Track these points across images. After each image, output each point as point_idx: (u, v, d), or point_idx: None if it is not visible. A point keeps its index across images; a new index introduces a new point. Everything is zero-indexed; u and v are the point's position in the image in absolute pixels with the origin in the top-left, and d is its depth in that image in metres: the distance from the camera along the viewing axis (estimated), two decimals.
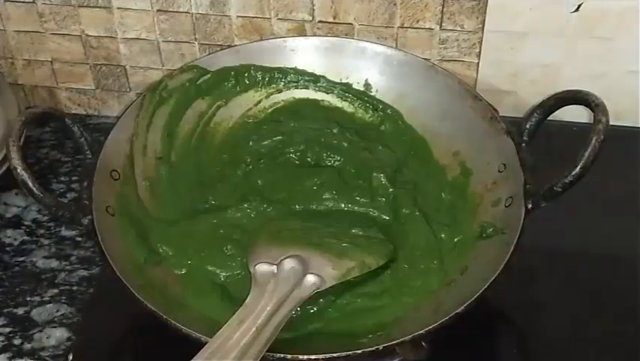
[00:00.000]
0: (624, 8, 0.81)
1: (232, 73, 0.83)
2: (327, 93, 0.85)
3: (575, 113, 0.83)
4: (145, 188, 0.77)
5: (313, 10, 0.86)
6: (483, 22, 0.84)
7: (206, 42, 0.89)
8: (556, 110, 0.74)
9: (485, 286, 0.63)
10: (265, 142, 0.82)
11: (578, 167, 0.66)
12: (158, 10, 0.87)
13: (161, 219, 0.75)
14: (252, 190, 0.78)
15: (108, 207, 0.71)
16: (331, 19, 0.86)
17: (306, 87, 0.85)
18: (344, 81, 0.85)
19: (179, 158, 0.80)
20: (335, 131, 0.82)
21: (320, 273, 0.66)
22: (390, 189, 0.77)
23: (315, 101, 0.85)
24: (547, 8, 0.82)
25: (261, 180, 0.79)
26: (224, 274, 0.72)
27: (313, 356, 0.59)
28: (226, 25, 0.88)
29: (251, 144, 0.82)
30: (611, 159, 0.70)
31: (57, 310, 0.76)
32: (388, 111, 0.83)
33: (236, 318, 0.59)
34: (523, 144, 0.73)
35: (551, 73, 0.87)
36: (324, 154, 0.81)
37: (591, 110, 0.68)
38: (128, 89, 0.95)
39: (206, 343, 0.57)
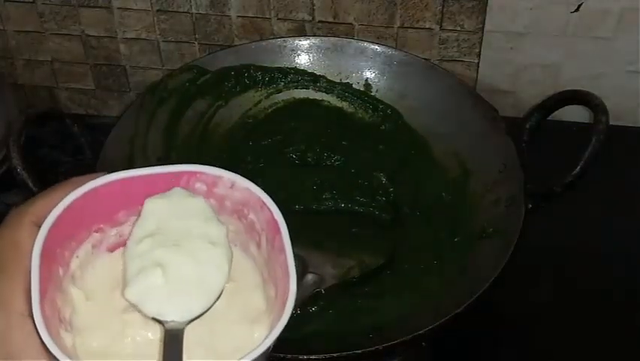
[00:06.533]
0: (624, 8, 0.81)
1: (232, 73, 0.83)
2: (327, 93, 0.85)
3: (575, 113, 0.83)
4: None
5: (313, 10, 0.86)
6: (483, 22, 0.84)
7: (206, 42, 0.89)
8: (556, 110, 0.74)
9: (485, 287, 0.63)
10: (265, 142, 0.82)
11: (578, 167, 0.66)
12: (158, 10, 0.87)
13: None
14: None
15: None
16: (331, 19, 0.86)
17: (306, 87, 0.85)
18: (344, 81, 0.85)
19: (179, 158, 0.80)
20: (335, 131, 0.82)
21: (320, 272, 0.66)
22: (391, 189, 0.77)
23: (315, 101, 0.85)
24: (547, 8, 0.82)
25: (261, 180, 0.78)
26: None
27: (313, 356, 0.59)
28: (226, 25, 0.88)
29: (251, 143, 0.82)
30: (611, 159, 0.70)
31: None
32: (388, 111, 0.83)
33: None
34: (523, 144, 0.73)
35: (551, 73, 0.87)
36: (324, 154, 0.81)
37: (591, 110, 0.68)
38: (128, 89, 0.95)
39: None
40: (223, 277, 0.40)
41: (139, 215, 0.42)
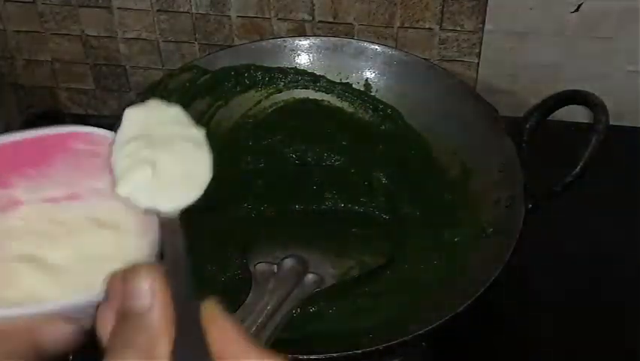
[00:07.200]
0: (624, 8, 0.81)
1: (232, 73, 0.83)
2: (327, 93, 0.85)
3: (575, 113, 0.83)
4: None
5: (313, 10, 0.86)
6: (483, 22, 0.84)
7: (206, 42, 0.89)
8: (556, 110, 0.74)
9: (485, 287, 0.63)
10: (265, 142, 0.82)
11: (578, 167, 0.66)
12: (158, 10, 0.87)
13: None
14: (252, 190, 0.78)
15: None
16: (331, 19, 0.86)
17: (306, 87, 0.85)
18: (344, 81, 0.85)
19: None
20: (335, 131, 0.82)
21: (320, 272, 0.66)
22: (391, 189, 0.77)
23: (315, 101, 0.85)
24: (547, 8, 0.82)
25: (261, 180, 0.79)
26: (224, 274, 0.72)
27: (313, 356, 0.59)
28: (226, 25, 0.88)
29: (251, 143, 0.82)
30: (611, 159, 0.70)
31: None
32: (388, 111, 0.83)
33: (236, 318, 0.59)
34: (523, 144, 0.73)
35: (551, 73, 0.87)
36: (324, 154, 0.81)
37: (591, 110, 0.68)
38: (128, 89, 0.95)
39: None
40: (208, 173, 0.42)
41: (31, 178, 0.44)
